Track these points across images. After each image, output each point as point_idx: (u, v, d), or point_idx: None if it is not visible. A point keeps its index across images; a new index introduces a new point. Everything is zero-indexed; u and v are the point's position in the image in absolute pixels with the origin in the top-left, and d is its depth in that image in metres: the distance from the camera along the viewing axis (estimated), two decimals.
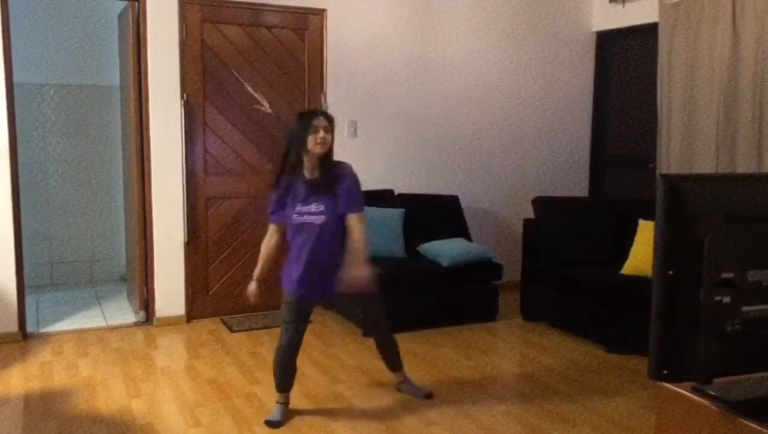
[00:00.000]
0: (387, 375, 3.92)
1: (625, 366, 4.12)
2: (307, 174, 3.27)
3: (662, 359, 1.37)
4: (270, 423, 3.27)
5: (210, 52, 4.84)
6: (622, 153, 6.04)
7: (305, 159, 3.25)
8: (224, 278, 5.04)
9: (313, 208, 3.23)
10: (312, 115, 3.28)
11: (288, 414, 3.36)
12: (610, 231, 4.90)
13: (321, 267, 3.29)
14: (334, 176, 3.27)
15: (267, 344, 4.47)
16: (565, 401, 3.61)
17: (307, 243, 3.25)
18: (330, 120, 3.27)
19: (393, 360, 3.63)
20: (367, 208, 4.94)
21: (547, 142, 6.11)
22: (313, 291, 3.35)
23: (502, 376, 4.03)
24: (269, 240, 3.41)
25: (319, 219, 3.24)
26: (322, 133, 3.19)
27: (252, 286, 3.42)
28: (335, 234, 3.30)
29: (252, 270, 5.08)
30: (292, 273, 3.31)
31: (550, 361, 4.23)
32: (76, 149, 5.95)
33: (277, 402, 3.38)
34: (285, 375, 3.36)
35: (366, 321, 3.53)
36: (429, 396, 3.61)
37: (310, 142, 3.19)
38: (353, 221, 3.30)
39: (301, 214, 3.24)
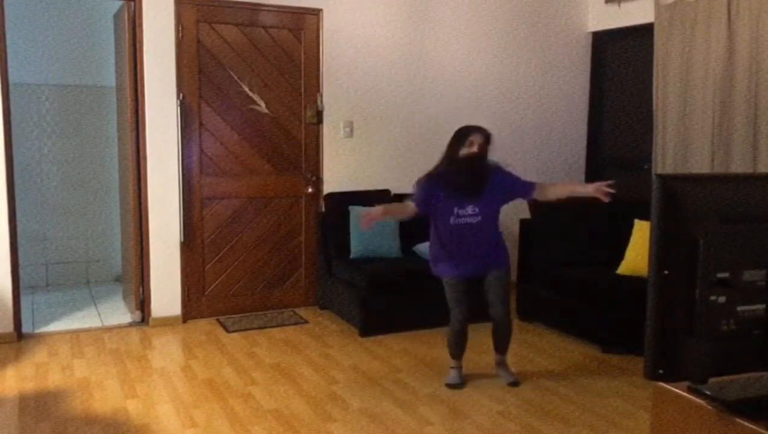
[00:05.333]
0: (384, 375, 3.92)
1: (620, 366, 4.13)
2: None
3: (658, 359, 1.38)
4: (450, 386, 3.75)
5: (206, 52, 4.84)
6: (617, 153, 6.05)
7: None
8: (220, 278, 5.03)
9: (468, 210, 3.61)
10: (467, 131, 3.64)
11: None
12: (605, 232, 4.91)
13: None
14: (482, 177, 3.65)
15: (263, 344, 4.46)
16: (561, 401, 3.61)
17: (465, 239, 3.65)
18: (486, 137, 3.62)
19: (503, 343, 3.88)
20: (362, 209, 4.97)
21: (543, 142, 6.11)
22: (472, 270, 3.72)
23: (498, 376, 4.02)
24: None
25: (475, 219, 3.61)
26: (475, 148, 3.55)
27: (378, 208, 3.67)
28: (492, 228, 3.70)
29: (247, 272, 5.11)
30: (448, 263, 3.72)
31: (546, 361, 4.24)
32: (71, 149, 5.94)
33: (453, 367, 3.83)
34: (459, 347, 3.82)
35: (489, 300, 3.79)
36: (514, 384, 3.82)
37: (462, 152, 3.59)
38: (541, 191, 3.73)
39: (459, 216, 3.61)
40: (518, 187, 3.71)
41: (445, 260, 3.70)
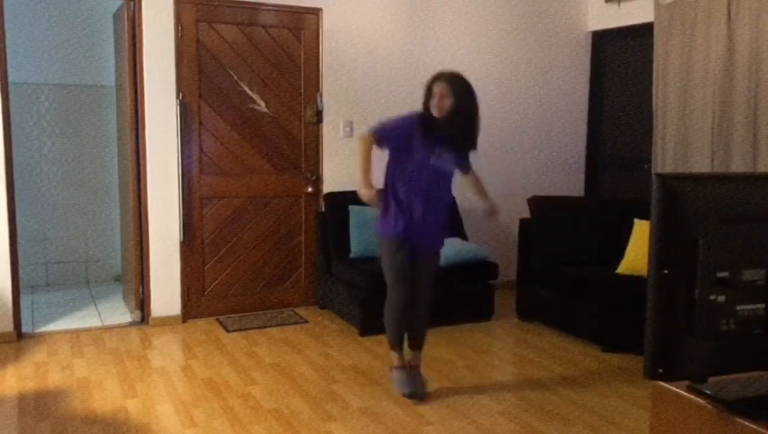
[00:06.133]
0: (384, 374, 3.92)
1: (620, 365, 4.13)
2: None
3: (657, 358, 1.38)
4: (408, 396, 3.51)
5: (205, 52, 4.84)
6: (617, 153, 6.05)
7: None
8: (220, 278, 5.03)
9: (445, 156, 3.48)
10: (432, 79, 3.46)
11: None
12: (605, 231, 4.91)
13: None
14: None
15: (263, 344, 4.46)
16: (561, 400, 3.61)
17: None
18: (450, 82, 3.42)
19: (418, 338, 3.68)
20: (362, 208, 4.97)
21: (543, 141, 6.11)
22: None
23: (498, 376, 4.03)
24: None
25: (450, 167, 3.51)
26: (437, 99, 3.38)
27: (372, 192, 3.42)
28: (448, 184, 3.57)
29: (247, 271, 5.11)
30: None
31: (545, 361, 4.24)
32: (71, 149, 5.94)
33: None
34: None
35: (416, 285, 3.55)
36: (422, 397, 3.57)
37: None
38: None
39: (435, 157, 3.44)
40: (461, 159, 3.56)
41: (399, 215, 3.43)
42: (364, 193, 3.40)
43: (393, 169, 3.50)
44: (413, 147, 3.42)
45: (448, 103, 3.39)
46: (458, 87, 3.40)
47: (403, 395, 3.55)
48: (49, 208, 5.91)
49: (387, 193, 3.50)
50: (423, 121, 3.45)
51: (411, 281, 3.49)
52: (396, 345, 3.61)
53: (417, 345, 3.70)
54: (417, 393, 3.54)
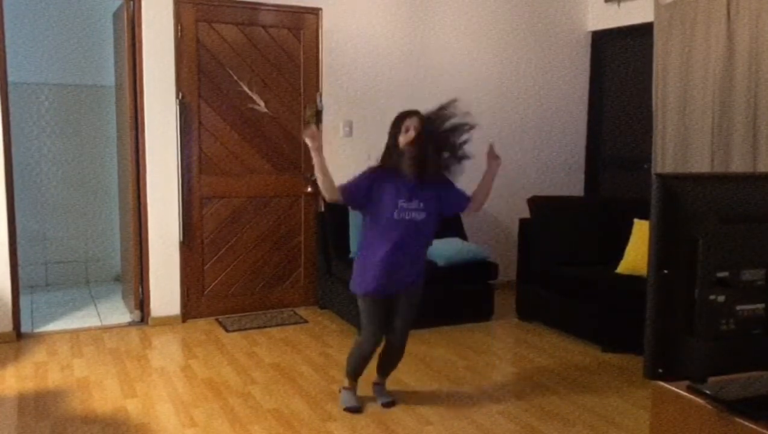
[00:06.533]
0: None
1: (620, 365, 4.13)
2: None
3: (657, 358, 1.38)
4: (350, 409, 3.44)
5: (205, 51, 4.84)
6: (617, 153, 6.05)
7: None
8: (219, 278, 5.03)
9: (414, 205, 3.28)
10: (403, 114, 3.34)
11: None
12: (605, 231, 4.91)
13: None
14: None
15: (262, 344, 4.46)
16: (561, 400, 3.61)
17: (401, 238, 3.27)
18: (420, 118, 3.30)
19: (389, 367, 3.59)
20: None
21: (543, 141, 6.11)
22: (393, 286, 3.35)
23: (497, 376, 4.03)
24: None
25: (420, 216, 3.28)
26: (412, 132, 3.25)
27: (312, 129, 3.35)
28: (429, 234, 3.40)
29: (247, 271, 5.10)
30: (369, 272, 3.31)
31: (545, 361, 4.24)
32: (71, 149, 5.93)
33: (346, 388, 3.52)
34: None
35: (395, 324, 3.43)
36: (389, 404, 3.53)
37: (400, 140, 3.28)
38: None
39: (403, 209, 3.27)
40: (453, 196, 3.37)
41: (374, 269, 3.27)
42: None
43: (367, 227, 3.39)
44: (382, 201, 3.29)
45: (411, 136, 3.29)
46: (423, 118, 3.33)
47: (346, 409, 3.46)
48: (49, 208, 5.91)
49: (363, 249, 3.39)
50: (390, 168, 3.31)
51: (384, 327, 3.37)
52: (352, 376, 3.52)
53: (385, 374, 3.62)
54: (358, 407, 3.47)
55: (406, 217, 3.26)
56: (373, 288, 3.28)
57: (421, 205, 3.27)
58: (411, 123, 3.27)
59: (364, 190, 3.29)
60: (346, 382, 3.54)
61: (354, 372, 3.49)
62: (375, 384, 3.61)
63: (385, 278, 3.27)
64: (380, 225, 3.29)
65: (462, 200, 3.40)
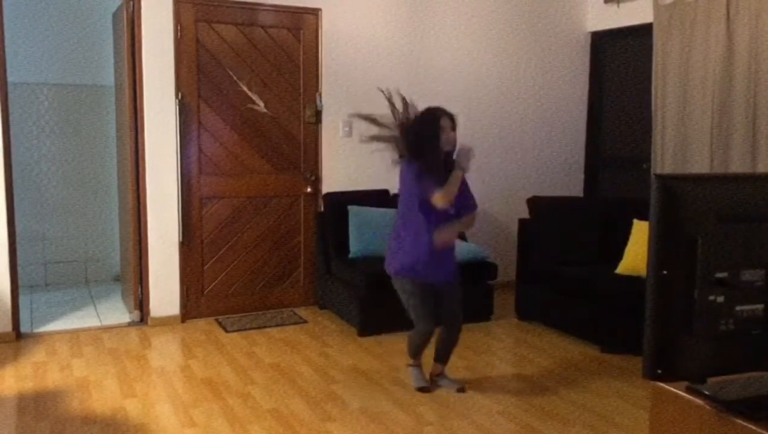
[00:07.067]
0: (383, 374, 3.92)
1: (619, 365, 4.13)
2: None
3: (656, 358, 1.38)
4: (423, 389, 3.65)
5: (205, 52, 4.84)
6: (617, 153, 6.06)
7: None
8: (219, 278, 5.03)
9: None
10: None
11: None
12: (604, 231, 4.91)
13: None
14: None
15: (262, 344, 4.46)
16: (560, 400, 3.61)
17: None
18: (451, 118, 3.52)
19: (445, 352, 3.75)
20: (361, 208, 4.97)
21: (543, 141, 6.11)
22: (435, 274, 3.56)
23: (497, 376, 4.03)
24: None
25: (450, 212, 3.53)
26: (449, 132, 3.48)
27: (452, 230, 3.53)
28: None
29: (246, 271, 5.10)
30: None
31: (545, 361, 4.24)
32: (70, 148, 5.93)
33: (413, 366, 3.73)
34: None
35: (442, 308, 3.63)
36: (461, 390, 3.69)
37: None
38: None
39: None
40: (467, 196, 3.60)
41: (425, 259, 3.48)
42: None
43: (419, 218, 3.53)
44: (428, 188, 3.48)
45: (455, 136, 3.52)
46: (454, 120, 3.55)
47: (418, 389, 3.68)
48: (49, 208, 5.91)
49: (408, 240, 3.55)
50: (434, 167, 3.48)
51: (434, 313, 3.56)
52: (418, 355, 3.74)
53: (447, 360, 3.78)
54: (429, 387, 3.70)
55: (449, 213, 3.52)
56: (426, 275, 3.51)
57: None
58: (446, 123, 3.47)
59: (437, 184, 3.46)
60: (412, 361, 3.75)
61: (418, 352, 3.71)
62: (439, 375, 3.76)
63: (435, 270, 3.53)
64: (431, 221, 3.48)
65: (471, 205, 3.65)
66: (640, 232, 4.56)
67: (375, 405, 3.52)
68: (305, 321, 4.96)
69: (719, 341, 1.38)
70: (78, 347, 4.37)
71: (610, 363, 4.17)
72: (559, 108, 6.15)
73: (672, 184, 1.36)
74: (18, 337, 4.49)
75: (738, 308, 1.38)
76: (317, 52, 5.17)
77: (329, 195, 5.15)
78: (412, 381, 3.74)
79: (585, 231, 4.96)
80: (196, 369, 4.01)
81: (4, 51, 4.36)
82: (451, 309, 3.63)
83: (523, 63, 5.95)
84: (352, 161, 5.33)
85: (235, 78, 4.94)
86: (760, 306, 1.40)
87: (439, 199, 3.39)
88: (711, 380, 1.45)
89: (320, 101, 5.18)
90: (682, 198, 1.35)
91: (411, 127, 3.57)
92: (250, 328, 4.79)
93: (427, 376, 3.76)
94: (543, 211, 5.06)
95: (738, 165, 4.72)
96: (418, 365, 3.75)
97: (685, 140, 5.09)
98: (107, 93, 5.85)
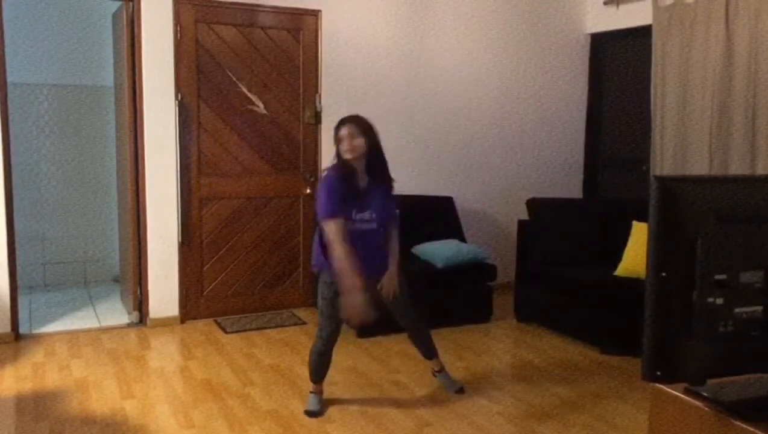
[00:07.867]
0: (382, 376, 3.92)
1: (618, 367, 4.13)
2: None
3: (655, 360, 1.38)
4: (309, 413, 3.41)
5: (204, 53, 4.84)
6: (616, 154, 6.06)
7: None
8: (218, 279, 5.03)
9: (366, 215, 3.33)
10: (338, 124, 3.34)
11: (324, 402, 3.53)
12: (603, 233, 4.91)
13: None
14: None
15: (261, 345, 4.46)
16: (560, 402, 3.61)
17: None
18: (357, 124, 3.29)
19: (426, 349, 3.70)
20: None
21: (542, 143, 6.12)
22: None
23: (496, 377, 4.03)
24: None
25: (371, 226, 3.35)
26: (345, 144, 3.25)
27: (359, 298, 3.10)
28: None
29: (246, 272, 5.10)
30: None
31: (544, 362, 4.24)
32: (70, 149, 5.93)
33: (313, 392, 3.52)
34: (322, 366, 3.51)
35: (395, 315, 3.58)
36: (460, 391, 3.68)
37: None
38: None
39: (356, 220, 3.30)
40: (388, 207, 3.44)
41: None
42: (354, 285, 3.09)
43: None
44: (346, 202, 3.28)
45: (359, 142, 3.26)
46: (364, 125, 3.31)
47: (306, 412, 3.43)
48: (48, 208, 5.91)
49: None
50: (342, 172, 3.29)
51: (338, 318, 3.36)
52: (319, 379, 3.55)
53: (434, 355, 3.74)
54: (321, 411, 3.46)
55: (361, 228, 3.35)
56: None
57: (373, 215, 3.39)
58: (345, 131, 3.30)
59: (340, 200, 3.31)
60: (312, 387, 3.54)
61: (320, 374, 3.54)
62: (436, 371, 3.74)
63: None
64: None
65: (393, 215, 3.53)
66: (639, 234, 4.56)
67: (374, 406, 3.52)
68: (304, 323, 4.96)
69: (718, 342, 1.38)
70: (77, 348, 4.37)
71: (609, 365, 4.17)
72: (559, 109, 6.15)
73: (671, 185, 1.36)
74: (17, 338, 4.49)
75: (737, 309, 1.38)
76: (317, 53, 5.17)
77: None
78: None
79: (584, 233, 4.96)
80: (195, 370, 4.00)
81: (4, 51, 4.36)
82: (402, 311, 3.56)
83: (523, 63, 5.96)
84: None
85: (234, 79, 4.94)
86: (760, 308, 1.40)
87: (331, 240, 3.15)
88: (710, 382, 1.44)
89: (320, 102, 5.19)
90: (681, 199, 1.35)
91: None
92: (250, 329, 4.79)
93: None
94: (542, 212, 5.06)
95: (737, 165, 4.72)
96: (318, 392, 3.52)
97: (684, 141, 5.09)
98: (107, 93, 5.85)
